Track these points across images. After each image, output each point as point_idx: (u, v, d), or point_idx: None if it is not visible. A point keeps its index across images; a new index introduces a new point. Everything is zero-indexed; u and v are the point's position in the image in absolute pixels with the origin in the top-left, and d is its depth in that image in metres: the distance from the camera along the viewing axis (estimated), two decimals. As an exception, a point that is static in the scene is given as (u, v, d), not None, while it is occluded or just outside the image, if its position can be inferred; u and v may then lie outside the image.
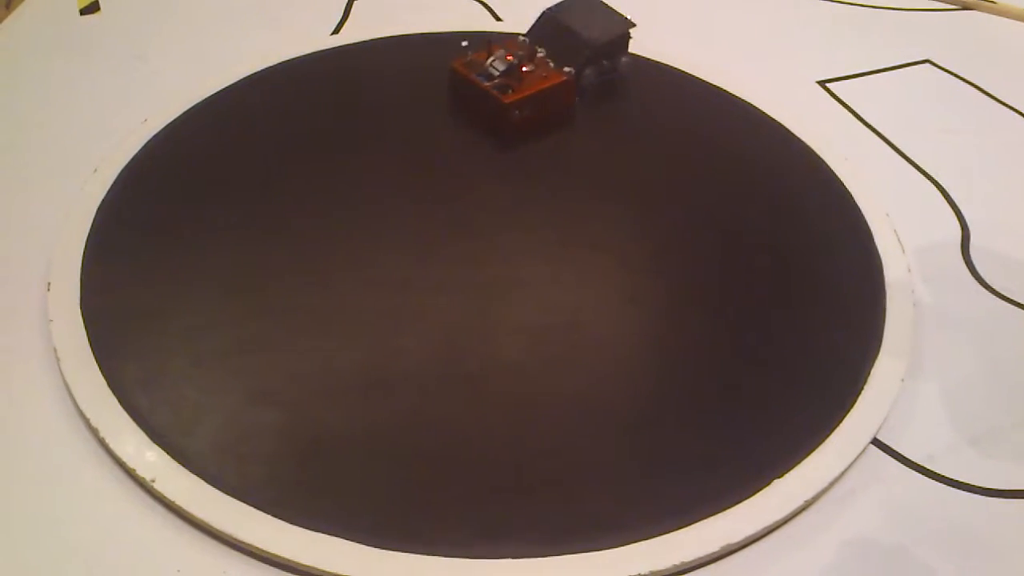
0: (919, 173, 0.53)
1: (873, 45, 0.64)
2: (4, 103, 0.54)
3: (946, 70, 0.62)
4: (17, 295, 0.42)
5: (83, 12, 0.62)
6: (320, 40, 0.59)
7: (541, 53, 0.53)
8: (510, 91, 0.51)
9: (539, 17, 0.55)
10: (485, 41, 0.53)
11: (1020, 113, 0.58)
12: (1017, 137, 0.56)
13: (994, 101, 0.59)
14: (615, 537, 0.34)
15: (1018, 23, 0.67)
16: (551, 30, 0.54)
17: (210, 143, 0.50)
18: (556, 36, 0.54)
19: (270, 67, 0.56)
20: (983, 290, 0.46)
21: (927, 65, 0.62)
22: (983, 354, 0.43)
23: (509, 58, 0.52)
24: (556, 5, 0.55)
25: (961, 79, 0.61)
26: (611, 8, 0.55)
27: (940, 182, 0.52)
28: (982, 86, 0.60)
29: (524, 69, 0.52)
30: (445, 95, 0.54)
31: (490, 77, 0.51)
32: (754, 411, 0.39)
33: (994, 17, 0.68)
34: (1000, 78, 0.61)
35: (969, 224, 0.50)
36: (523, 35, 0.54)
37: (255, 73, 0.55)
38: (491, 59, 0.52)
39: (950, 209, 0.51)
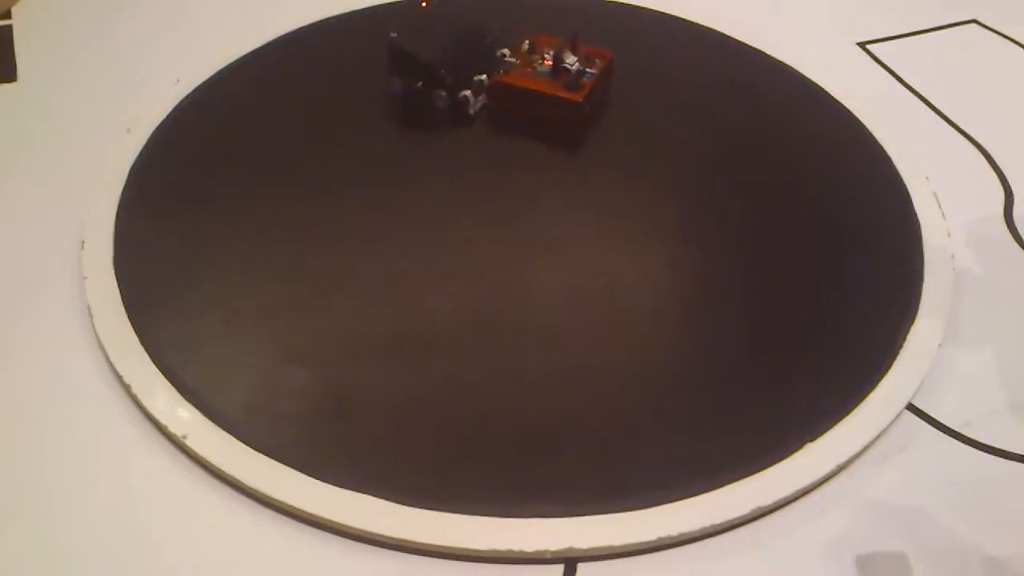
0: (962, 136, 0.52)
1: (916, 5, 0.62)
2: (38, 62, 0.54)
3: (993, 30, 0.60)
4: (52, 253, 0.43)
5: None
6: (355, 0, 0.58)
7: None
8: (576, 87, 0.48)
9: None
10: (517, 50, 0.51)
11: (1069, 75, 0.56)
12: (1065, 100, 0.55)
13: (1042, 63, 0.57)
14: (645, 498, 0.34)
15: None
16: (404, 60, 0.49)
17: (242, 104, 0.50)
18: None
19: (302, 27, 0.55)
20: (1026, 255, 0.45)
21: (973, 25, 0.60)
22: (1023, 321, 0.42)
23: (547, 62, 0.49)
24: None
25: (1009, 39, 0.59)
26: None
27: (984, 146, 0.51)
28: (1030, 47, 0.59)
29: (569, 63, 0.49)
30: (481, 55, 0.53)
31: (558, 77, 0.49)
32: (788, 374, 0.38)
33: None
34: (1049, 39, 0.59)
35: (1013, 188, 0.48)
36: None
37: (289, 33, 0.55)
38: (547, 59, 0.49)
39: (993, 173, 0.49)
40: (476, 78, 0.49)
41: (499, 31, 0.50)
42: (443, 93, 0.48)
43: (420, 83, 0.48)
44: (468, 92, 0.49)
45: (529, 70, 0.49)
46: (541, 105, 0.49)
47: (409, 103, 0.49)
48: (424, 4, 0.47)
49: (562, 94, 0.48)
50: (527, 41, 0.51)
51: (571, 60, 0.49)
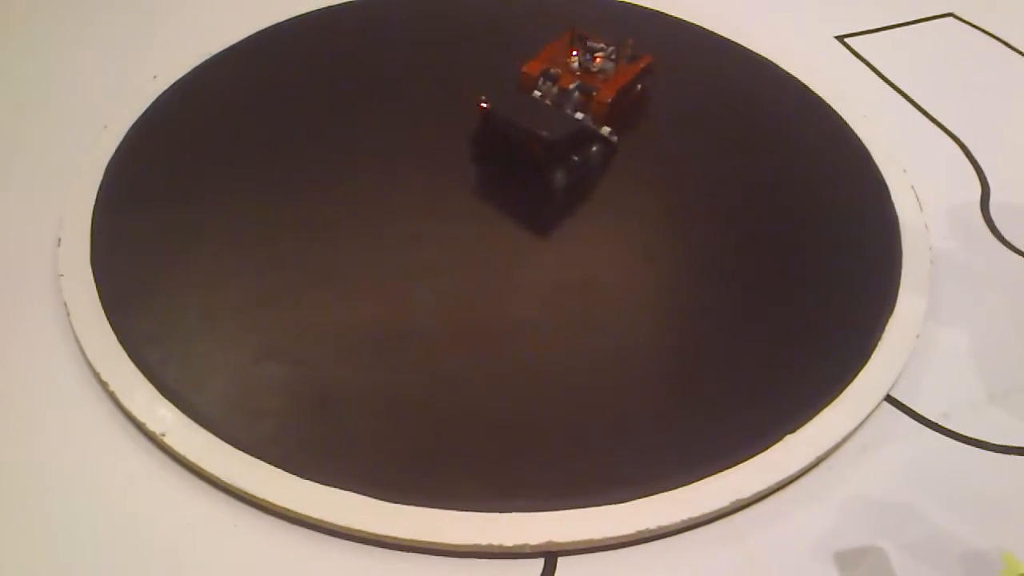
0: (939, 129, 0.52)
1: (894, -1, 0.62)
2: (14, 60, 0.53)
3: (970, 23, 0.60)
4: (28, 250, 0.42)
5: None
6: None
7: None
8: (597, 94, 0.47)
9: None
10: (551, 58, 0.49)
11: (1044, 68, 0.57)
12: (1041, 92, 0.55)
13: (1020, 56, 0.58)
14: (626, 492, 0.34)
15: (1044, -24, 0.65)
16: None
17: (219, 99, 0.50)
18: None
19: (281, 22, 0.55)
20: (1003, 247, 0.45)
21: (950, 19, 0.61)
22: (1002, 311, 0.42)
23: (568, 85, 0.47)
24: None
25: (985, 32, 0.59)
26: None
27: (960, 138, 0.51)
28: (1008, 40, 0.59)
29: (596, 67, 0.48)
30: (465, 50, 0.53)
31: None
32: (767, 367, 0.39)
33: (1020, -30, 0.66)
34: (1025, 32, 0.60)
35: (990, 180, 0.49)
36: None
37: (266, 28, 0.55)
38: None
39: (970, 165, 0.50)
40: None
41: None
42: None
43: (575, 157, 0.45)
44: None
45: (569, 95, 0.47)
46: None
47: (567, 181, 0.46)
48: (484, 105, 0.45)
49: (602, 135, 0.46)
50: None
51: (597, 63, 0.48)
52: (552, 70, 0.48)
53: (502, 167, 0.46)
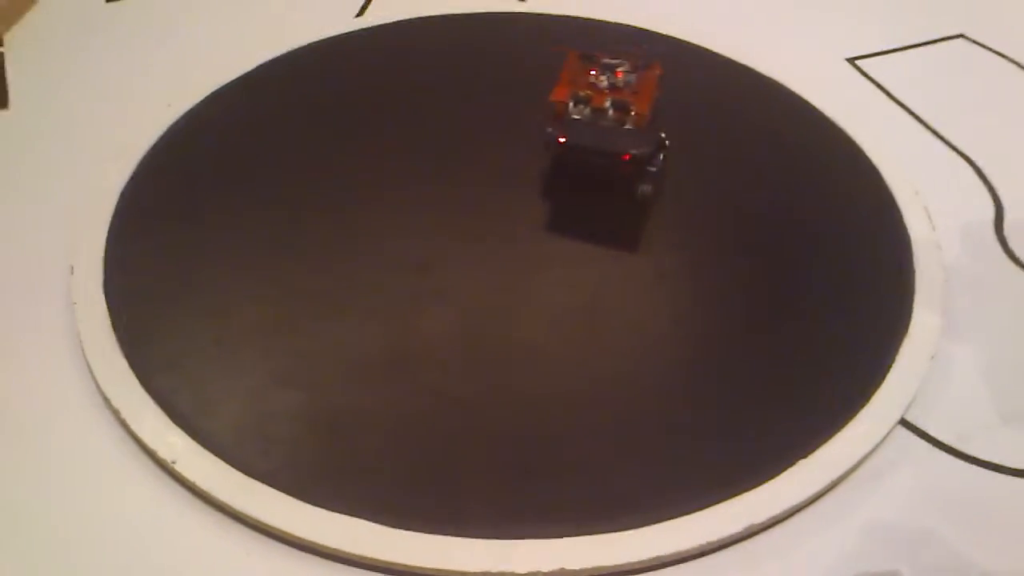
0: (951, 150, 0.52)
1: (904, 20, 0.62)
2: (30, 89, 0.54)
3: (981, 44, 0.60)
4: (41, 277, 0.43)
5: (109, 0, 0.62)
6: (343, 23, 0.58)
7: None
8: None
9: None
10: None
11: (1057, 88, 0.57)
12: (1054, 112, 0.55)
13: (1030, 76, 0.58)
14: (639, 518, 0.34)
15: (1055, -4, 0.65)
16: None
17: (232, 127, 0.50)
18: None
19: (292, 51, 0.55)
20: (1017, 268, 0.45)
21: (961, 40, 0.61)
22: (1016, 332, 0.42)
23: (602, 104, 0.47)
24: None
25: (996, 53, 0.59)
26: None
27: (973, 159, 0.51)
28: (1019, 60, 0.59)
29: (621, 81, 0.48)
30: (467, 77, 0.54)
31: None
32: (780, 391, 0.38)
33: (1030, -10, 0.66)
34: (1037, 52, 0.59)
35: (1003, 201, 0.48)
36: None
37: (277, 57, 0.55)
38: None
39: (983, 186, 0.49)
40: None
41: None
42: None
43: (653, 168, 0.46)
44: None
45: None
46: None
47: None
48: (562, 140, 0.45)
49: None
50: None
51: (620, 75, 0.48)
52: (581, 92, 0.48)
53: (508, 189, 0.46)
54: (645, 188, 0.46)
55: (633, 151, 0.44)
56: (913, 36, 0.61)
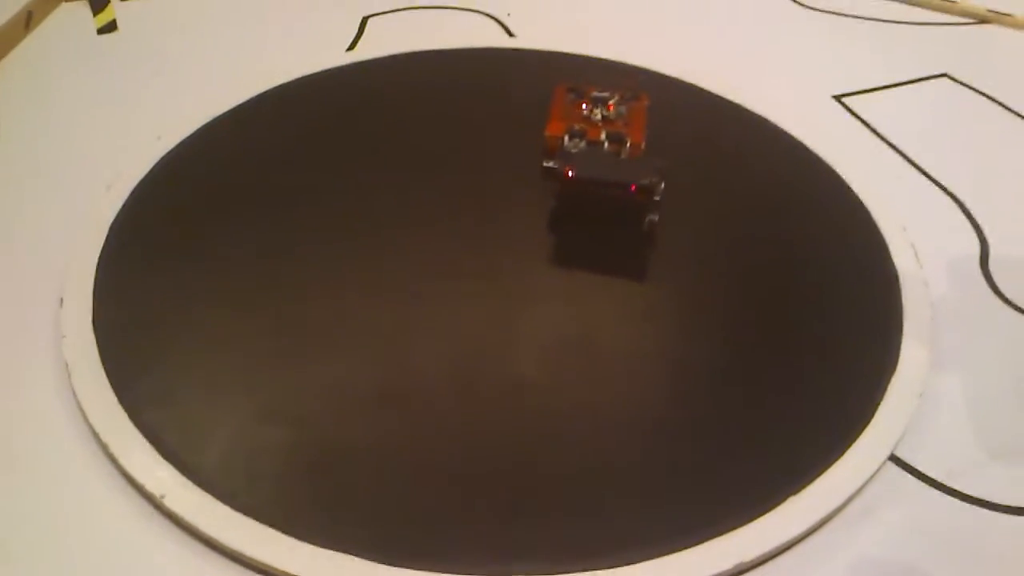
0: (937, 187, 0.52)
1: (890, 59, 0.63)
2: (21, 121, 0.54)
3: (964, 84, 0.61)
4: (30, 311, 0.42)
5: (101, 32, 0.63)
6: (335, 57, 0.59)
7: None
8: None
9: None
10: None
11: (1039, 126, 0.57)
12: (1036, 150, 0.56)
13: (1013, 115, 0.58)
14: (627, 555, 0.34)
15: (1037, 36, 0.66)
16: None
17: (223, 160, 0.50)
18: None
19: (284, 84, 0.56)
20: (1003, 304, 0.45)
21: (945, 79, 0.61)
22: (1004, 369, 0.42)
23: (597, 136, 0.49)
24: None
25: (979, 93, 0.60)
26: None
27: (958, 196, 0.52)
28: (1001, 100, 0.60)
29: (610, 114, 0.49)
30: (458, 111, 0.54)
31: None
32: (769, 427, 0.38)
33: (1012, 31, 0.67)
34: (1019, 91, 0.60)
35: (988, 238, 0.49)
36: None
37: (269, 90, 0.55)
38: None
39: (968, 223, 0.50)
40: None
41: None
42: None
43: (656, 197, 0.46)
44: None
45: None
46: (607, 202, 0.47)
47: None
48: (571, 173, 0.45)
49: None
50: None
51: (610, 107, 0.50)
52: (576, 126, 0.49)
53: (497, 225, 0.47)
54: (653, 217, 0.46)
55: (643, 181, 0.44)
56: (898, 75, 0.62)
